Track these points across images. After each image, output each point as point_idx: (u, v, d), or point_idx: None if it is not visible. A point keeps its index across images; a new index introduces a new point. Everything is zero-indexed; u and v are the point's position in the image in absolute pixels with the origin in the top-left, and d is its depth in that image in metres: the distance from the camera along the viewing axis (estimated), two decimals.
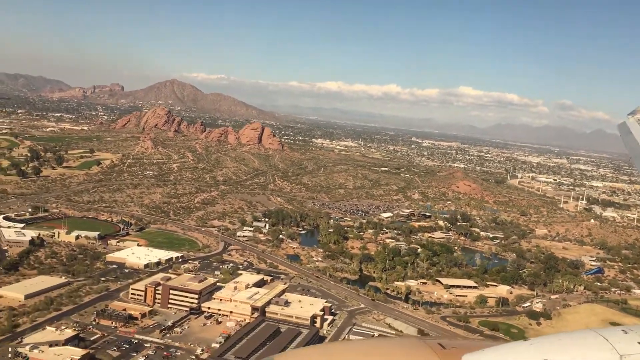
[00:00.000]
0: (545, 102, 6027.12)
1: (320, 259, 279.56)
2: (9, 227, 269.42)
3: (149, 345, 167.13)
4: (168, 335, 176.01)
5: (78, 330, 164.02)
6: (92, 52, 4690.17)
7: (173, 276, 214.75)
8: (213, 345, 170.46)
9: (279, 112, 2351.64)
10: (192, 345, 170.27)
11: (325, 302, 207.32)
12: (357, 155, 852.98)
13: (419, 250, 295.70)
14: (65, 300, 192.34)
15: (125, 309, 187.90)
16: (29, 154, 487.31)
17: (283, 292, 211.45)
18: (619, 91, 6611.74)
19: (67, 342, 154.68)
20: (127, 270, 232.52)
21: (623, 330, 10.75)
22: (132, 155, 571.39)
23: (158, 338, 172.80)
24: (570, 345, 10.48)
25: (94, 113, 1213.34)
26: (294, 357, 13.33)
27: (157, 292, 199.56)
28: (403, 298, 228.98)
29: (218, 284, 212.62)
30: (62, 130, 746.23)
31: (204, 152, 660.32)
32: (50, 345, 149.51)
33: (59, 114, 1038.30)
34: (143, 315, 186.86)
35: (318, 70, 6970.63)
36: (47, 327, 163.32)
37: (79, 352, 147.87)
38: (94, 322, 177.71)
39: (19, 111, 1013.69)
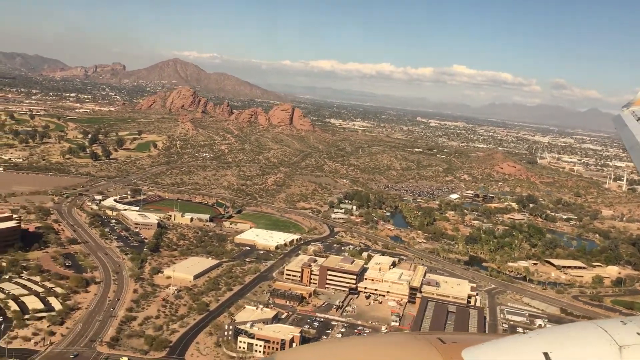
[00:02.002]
0: (539, 81, 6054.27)
1: (423, 240, 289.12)
2: (125, 209, 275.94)
3: (335, 323, 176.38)
4: (344, 313, 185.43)
5: (277, 310, 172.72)
6: (86, 30, 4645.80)
7: (319, 259, 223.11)
8: (392, 323, 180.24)
9: (279, 91, 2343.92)
10: (373, 323, 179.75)
11: (469, 282, 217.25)
12: (382, 136, 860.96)
13: (514, 232, 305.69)
14: (230, 280, 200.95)
15: (290, 289, 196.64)
16: (83, 137, 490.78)
17: (425, 273, 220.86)
18: (612, 70, 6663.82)
19: (272, 320, 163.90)
20: (261, 252, 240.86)
21: (622, 321, 10.99)
22: (176, 136, 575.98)
23: (337, 316, 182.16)
24: (569, 337, 10.67)
25: (103, 93, 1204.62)
26: (298, 354, 13.53)
27: (313, 273, 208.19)
28: (527, 279, 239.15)
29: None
30: (94, 112, 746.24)
31: (239, 133, 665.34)
32: (264, 323, 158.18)
33: (74, 94, 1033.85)
34: (309, 295, 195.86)
35: (311, 48, 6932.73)
36: (247, 307, 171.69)
37: (296, 329, 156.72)
38: (269, 301, 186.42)
39: (34, 92, 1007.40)
